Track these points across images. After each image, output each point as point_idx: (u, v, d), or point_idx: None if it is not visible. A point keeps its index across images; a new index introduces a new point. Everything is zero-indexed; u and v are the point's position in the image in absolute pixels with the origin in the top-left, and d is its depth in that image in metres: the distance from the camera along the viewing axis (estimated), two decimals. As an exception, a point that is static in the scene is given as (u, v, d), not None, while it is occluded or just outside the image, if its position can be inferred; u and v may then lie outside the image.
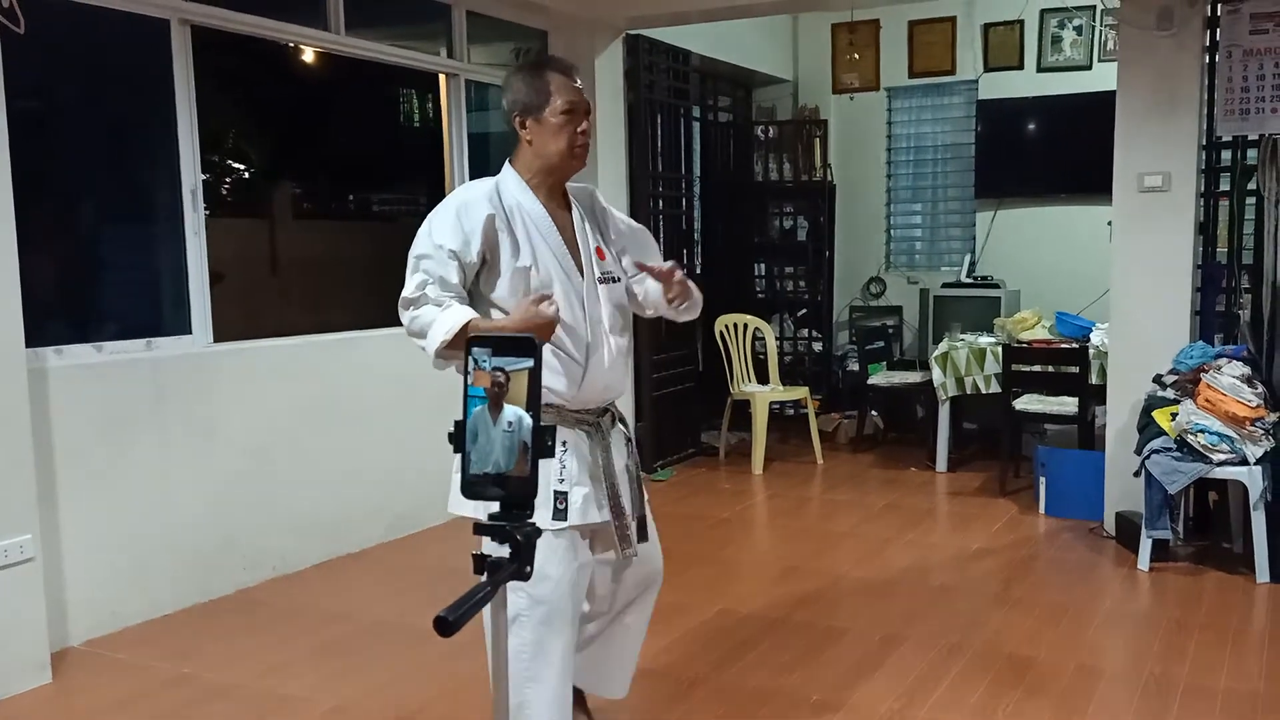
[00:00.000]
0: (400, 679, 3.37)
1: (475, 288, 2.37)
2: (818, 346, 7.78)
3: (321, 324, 4.82)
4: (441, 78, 5.43)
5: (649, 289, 2.58)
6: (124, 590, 3.81)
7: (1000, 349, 5.70)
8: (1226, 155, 4.94)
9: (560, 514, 2.30)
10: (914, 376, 6.71)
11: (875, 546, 4.78)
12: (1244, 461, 4.12)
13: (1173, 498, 4.23)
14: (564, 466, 2.31)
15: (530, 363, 1.51)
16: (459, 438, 1.57)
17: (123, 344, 3.90)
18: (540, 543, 2.27)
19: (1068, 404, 5.54)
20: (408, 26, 5.41)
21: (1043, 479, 5.22)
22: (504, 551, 1.61)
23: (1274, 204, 4.73)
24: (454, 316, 2.22)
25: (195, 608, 4.03)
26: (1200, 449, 4.14)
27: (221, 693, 3.30)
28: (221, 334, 4.25)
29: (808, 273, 7.77)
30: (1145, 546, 4.32)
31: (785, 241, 7.81)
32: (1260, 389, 4.29)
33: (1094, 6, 6.77)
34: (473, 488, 1.58)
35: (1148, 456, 4.24)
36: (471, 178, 5.48)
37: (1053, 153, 7.16)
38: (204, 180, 4.26)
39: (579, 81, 2.39)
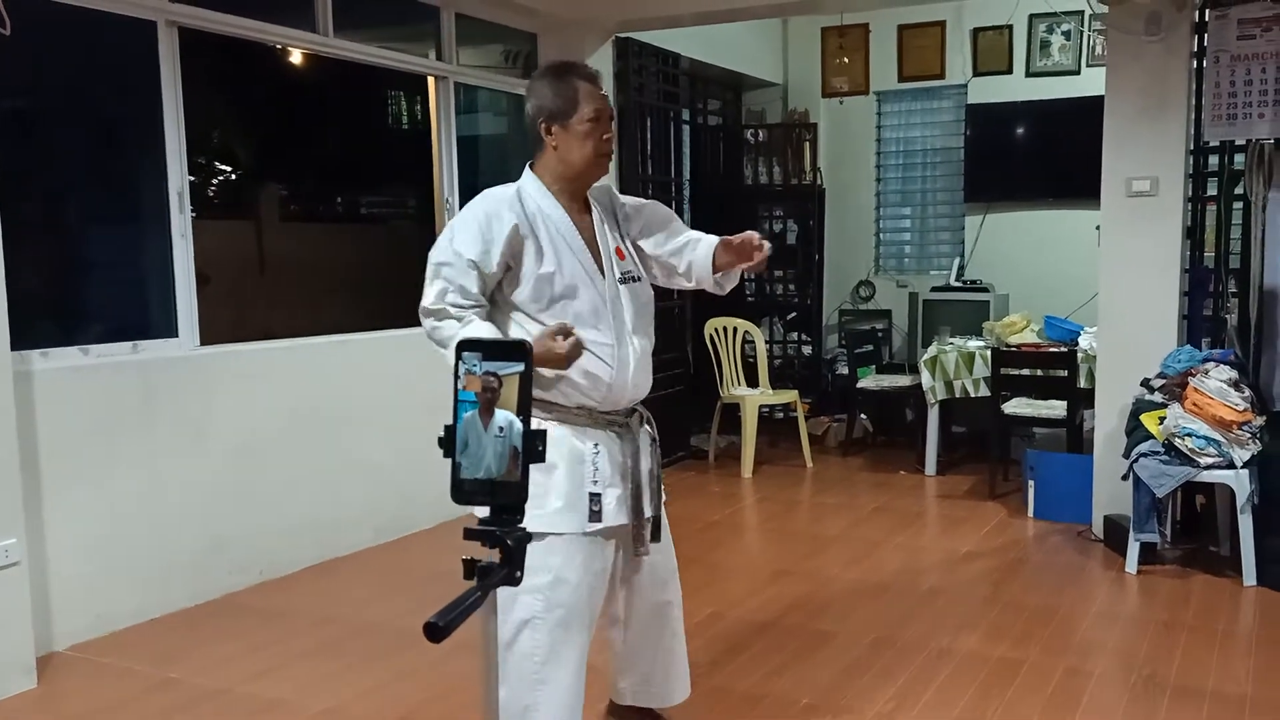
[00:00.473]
0: (391, 682, 3.35)
1: (499, 294, 2.37)
2: (807, 350, 7.79)
3: (309, 326, 4.80)
4: (430, 80, 5.42)
5: (694, 260, 2.55)
6: (110, 594, 3.79)
7: (989, 353, 5.72)
8: (1214, 160, 4.97)
9: (596, 516, 2.31)
10: (903, 380, 6.72)
11: (865, 549, 4.79)
12: (1231, 465, 4.14)
13: (1160, 501, 4.25)
14: (597, 469, 2.32)
15: (521, 367, 1.50)
16: (449, 443, 1.56)
17: (109, 346, 3.88)
18: (560, 546, 2.30)
19: (1056, 407, 5.56)
20: (396, 28, 5.40)
21: (1031, 482, 5.24)
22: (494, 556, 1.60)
23: (1261, 209, 4.75)
24: (473, 334, 2.22)
25: (183, 611, 4.00)
26: (1188, 452, 4.15)
27: (209, 697, 3.28)
28: (209, 336, 4.23)
29: (797, 276, 7.78)
30: (1133, 549, 4.33)
31: (775, 245, 7.77)
32: (1247, 393, 4.31)
33: (1082, 12, 6.80)
34: (463, 493, 1.57)
35: (1136, 460, 4.26)
36: (461, 181, 5.48)
37: (1041, 157, 7.18)
38: (191, 182, 4.23)
39: (603, 88, 2.41)
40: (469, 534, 1.67)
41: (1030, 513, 5.23)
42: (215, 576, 4.15)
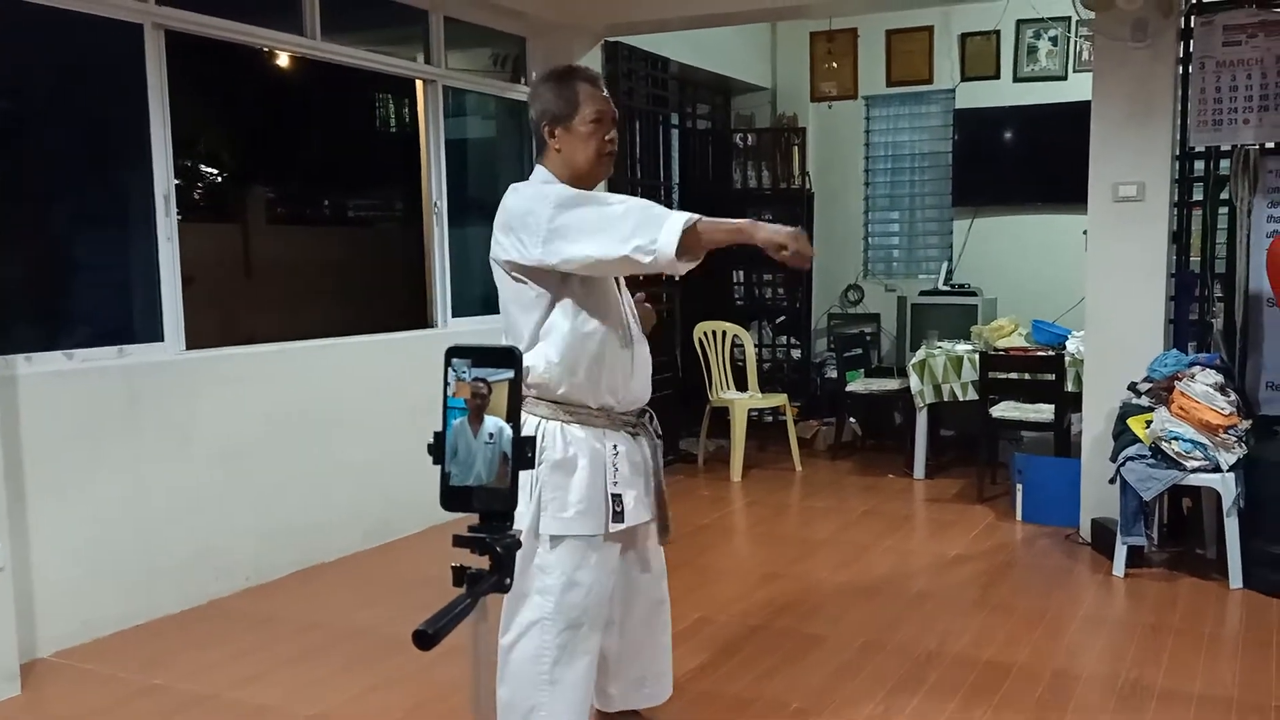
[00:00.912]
0: (379, 688, 3.34)
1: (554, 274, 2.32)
2: (796, 354, 7.80)
3: (296, 330, 4.79)
4: (418, 83, 5.41)
5: None
6: (95, 600, 3.76)
7: (977, 356, 5.73)
8: (1200, 165, 4.99)
9: (619, 516, 2.33)
10: (892, 384, 6.74)
11: (854, 553, 4.79)
12: (1217, 469, 4.16)
13: (1147, 504, 4.26)
14: (617, 470, 2.34)
15: (511, 374, 1.50)
16: (438, 449, 1.55)
17: (94, 351, 3.85)
18: (578, 548, 2.30)
19: (1044, 411, 5.58)
20: (384, 31, 5.38)
21: (1019, 486, 5.25)
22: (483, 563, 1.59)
23: (1246, 214, 4.78)
24: (683, 216, 2.16)
25: (168, 617, 3.98)
26: (1174, 456, 4.17)
27: (195, 703, 3.25)
28: (194, 341, 4.21)
29: (786, 280, 7.79)
30: (1120, 553, 4.35)
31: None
32: (1233, 397, 4.33)
33: (1069, 18, 6.83)
34: (452, 500, 1.57)
35: (1123, 464, 4.27)
36: (449, 184, 5.47)
37: (1029, 162, 7.21)
38: (177, 185, 4.21)
39: (606, 91, 2.43)
40: (458, 540, 1.66)
41: (1018, 516, 5.24)
42: (201, 582, 4.12)
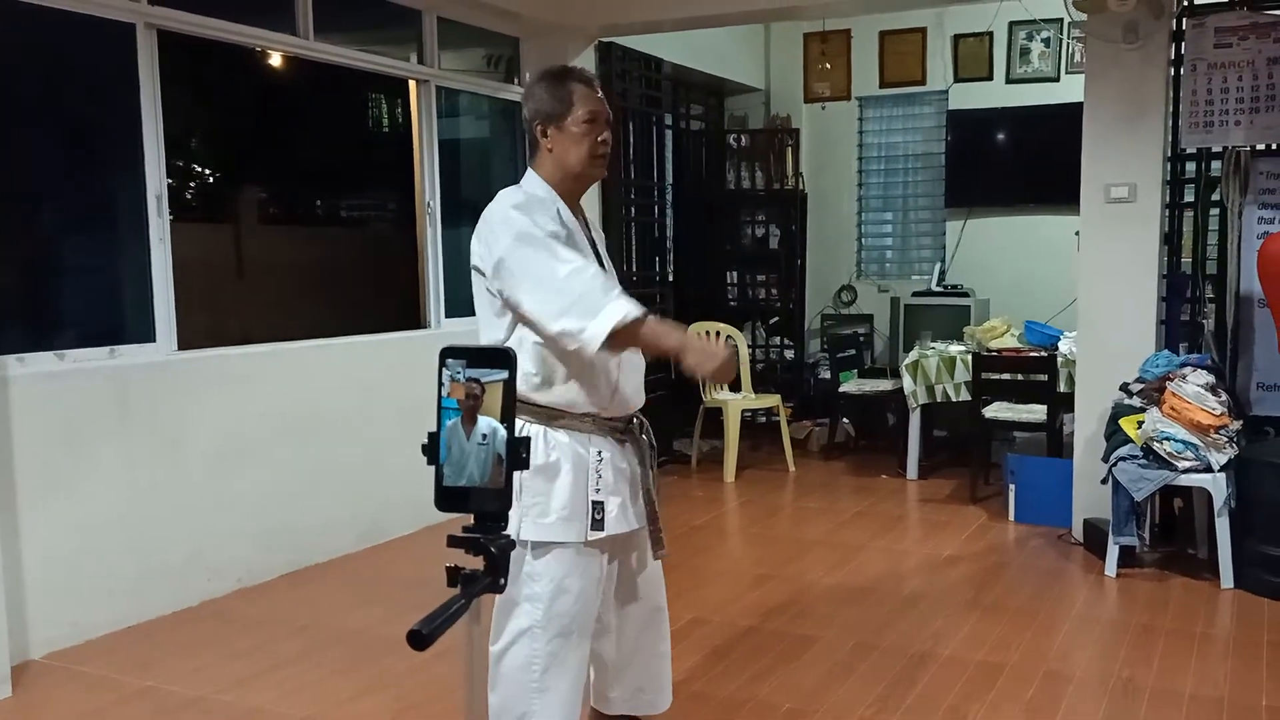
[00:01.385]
0: (372, 690, 3.33)
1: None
2: (789, 354, 7.80)
3: (289, 330, 4.78)
4: (411, 83, 5.40)
5: None
6: (87, 602, 3.75)
7: (970, 357, 5.74)
8: (1191, 167, 5.01)
9: (598, 524, 2.29)
10: (885, 384, 6.75)
11: (847, 554, 4.80)
12: (1208, 469, 4.17)
13: (1139, 505, 4.27)
14: (600, 476, 2.30)
15: (505, 374, 1.49)
16: (432, 450, 1.55)
17: (85, 352, 3.84)
18: (564, 555, 2.28)
19: (1037, 412, 5.59)
20: (377, 31, 5.38)
21: (1012, 486, 5.26)
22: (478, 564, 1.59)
23: (1237, 215, 4.80)
24: (622, 310, 2.10)
25: (160, 619, 3.96)
26: (1166, 456, 4.19)
27: (187, 705, 3.25)
28: (187, 341, 4.20)
29: (779, 281, 7.79)
30: (1112, 553, 4.36)
31: (757, 250, 7.83)
32: (1224, 397, 4.35)
33: (1062, 19, 6.85)
34: (446, 500, 1.56)
35: (1115, 464, 4.29)
36: (442, 185, 5.46)
37: (1021, 163, 7.23)
38: (169, 185, 4.20)
39: (600, 92, 2.40)
40: (453, 541, 1.66)
41: (1011, 516, 5.26)
42: (193, 583, 4.11)
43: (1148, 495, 4.25)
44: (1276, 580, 4.09)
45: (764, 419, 7.41)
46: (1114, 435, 4.42)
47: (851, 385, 6.79)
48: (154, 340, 4.08)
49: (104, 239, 4.19)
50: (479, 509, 1.56)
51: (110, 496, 3.83)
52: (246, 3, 4.48)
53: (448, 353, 1.54)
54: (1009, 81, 7.33)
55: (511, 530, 2.27)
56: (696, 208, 7.64)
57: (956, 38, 7.45)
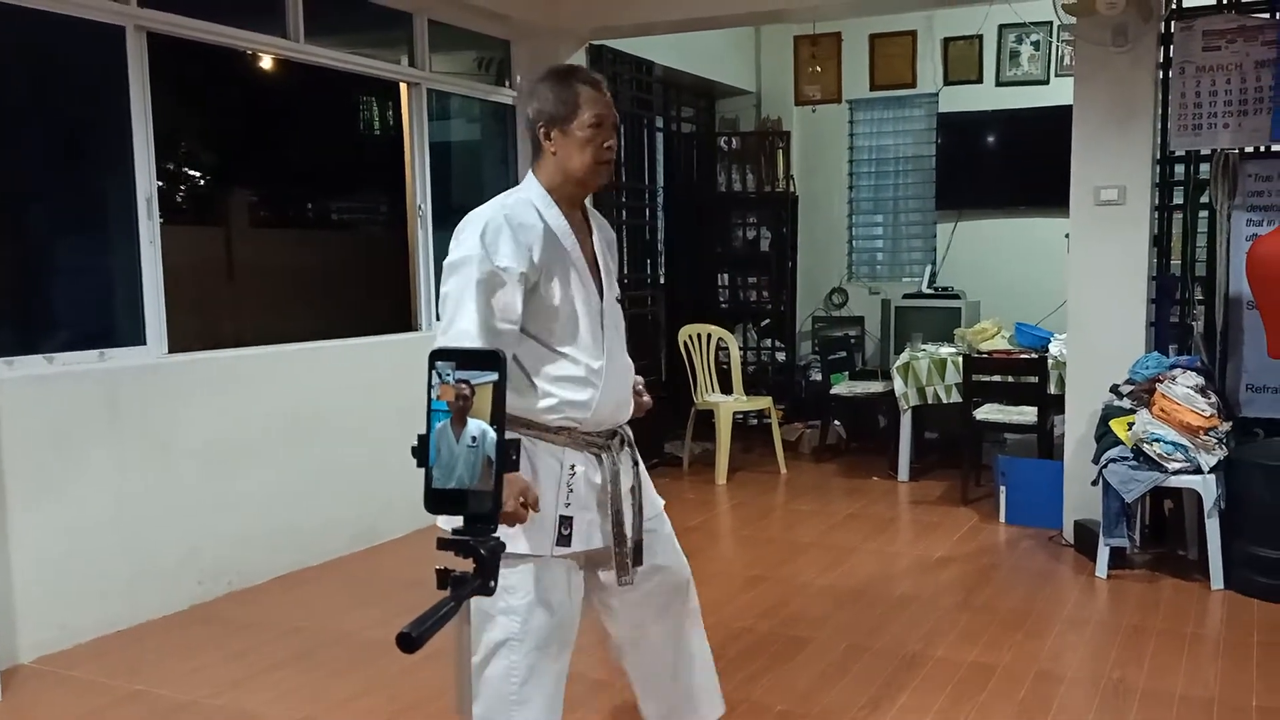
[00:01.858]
0: (364, 693, 3.33)
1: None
2: (781, 356, 7.81)
3: (280, 333, 4.77)
4: (403, 86, 5.40)
5: None
6: (77, 605, 3.74)
7: (961, 359, 5.76)
8: (1180, 169, 5.03)
9: (564, 540, 2.23)
10: (876, 386, 6.76)
11: (838, 556, 4.80)
12: (1198, 470, 4.18)
13: (1129, 506, 4.29)
14: (571, 491, 2.24)
15: (495, 376, 1.49)
16: (422, 452, 1.55)
17: (75, 355, 3.83)
18: (537, 569, 2.24)
19: (1027, 414, 5.60)
20: (368, 34, 5.37)
21: (1003, 488, 5.27)
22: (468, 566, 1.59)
23: (1225, 218, 4.81)
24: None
25: (151, 622, 3.95)
26: (1156, 458, 4.20)
27: (178, 709, 3.23)
28: (177, 344, 4.19)
29: (771, 283, 7.80)
30: (1103, 554, 4.37)
31: (748, 252, 7.84)
32: (1213, 399, 4.36)
33: (1051, 22, 6.88)
34: (436, 503, 1.56)
35: (1105, 465, 4.30)
36: (433, 188, 5.46)
37: (1011, 165, 7.25)
38: (160, 187, 4.19)
39: (608, 94, 2.33)
40: (442, 544, 1.65)
41: (1002, 518, 5.27)
42: (184, 587, 4.10)
43: (1138, 496, 4.26)
44: (1266, 581, 4.10)
45: (755, 421, 7.42)
46: (1104, 437, 4.43)
47: (843, 387, 6.80)
48: (144, 343, 4.07)
49: (94, 241, 4.18)
50: (468, 511, 1.56)
51: (100, 500, 3.81)
52: (237, 5, 4.47)
53: (437, 355, 1.54)
54: (999, 84, 7.36)
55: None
56: (688, 210, 7.65)
57: (946, 41, 7.47)
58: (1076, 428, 4.84)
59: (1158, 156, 4.83)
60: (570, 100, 2.26)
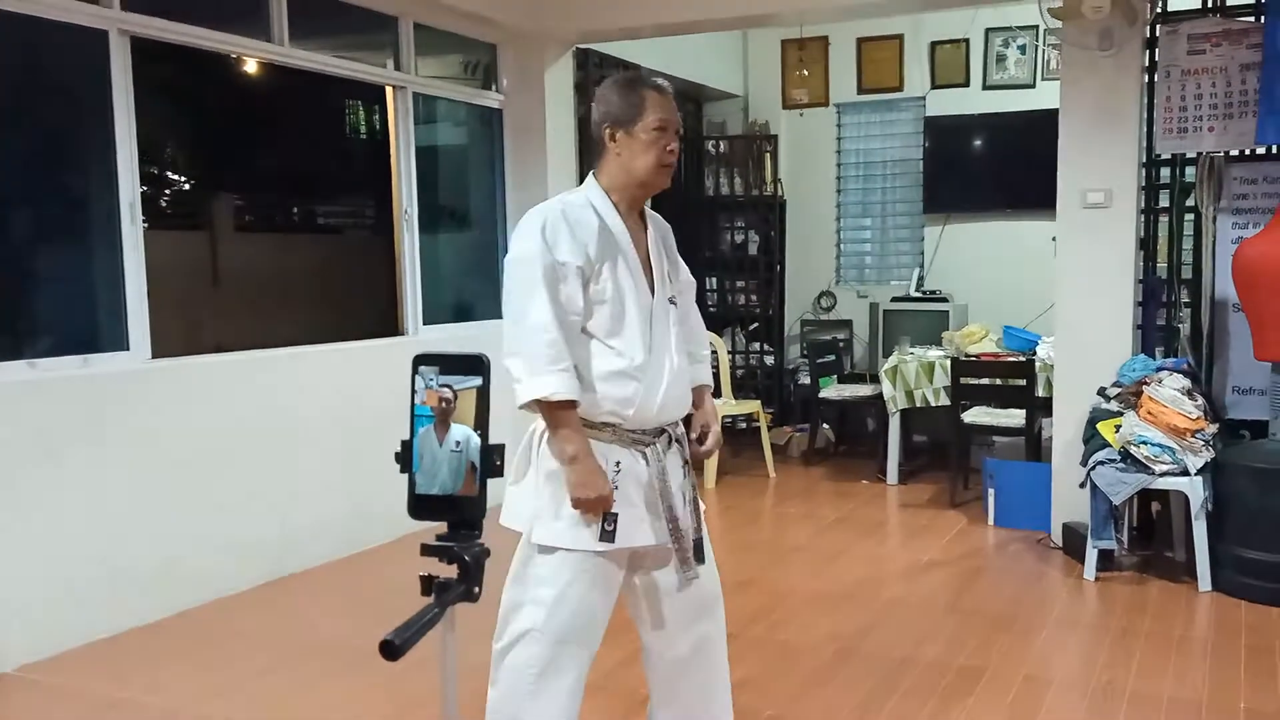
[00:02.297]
0: (348, 701, 3.30)
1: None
2: (769, 360, 7.81)
3: (264, 338, 4.74)
4: (388, 90, 5.38)
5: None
6: (59, 614, 3.70)
7: (949, 362, 5.76)
8: (1166, 173, 5.05)
9: (609, 535, 2.25)
10: (864, 389, 6.76)
11: (827, 559, 4.80)
12: (1185, 472, 4.19)
13: (1117, 508, 4.29)
14: (616, 487, 2.26)
15: (479, 381, 1.48)
16: (405, 458, 1.54)
17: (57, 360, 3.80)
18: (574, 563, 2.25)
19: (1015, 416, 5.61)
20: (353, 37, 5.35)
21: (991, 490, 5.28)
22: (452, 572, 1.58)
23: (1211, 220, 4.83)
24: (553, 386, 2.15)
25: (134, 631, 3.91)
26: (1143, 460, 4.21)
27: (161, 717, 3.21)
28: (160, 350, 4.15)
29: (759, 286, 7.81)
30: (1091, 556, 4.38)
31: (736, 255, 7.85)
32: (1200, 401, 4.38)
33: (1037, 26, 6.89)
34: (420, 509, 1.55)
35: (1093, 468, 4.30)
36: (420, 191, 5.44)
37: (998, 169, 7.27)
38: (143, 192, 4.16)
39: (673, 100, 2.38)
40: (426, 550, 1.64)
41: (990, 521, 5.27)
42: (167, 595, 4.06)
43: (1126, 499, 4.27)
44: (1253, 583, 4.11)
45: (744, 425, 7.41)
46: (1092, 439, 4.44)
47: (831, 391, 6.80)
48: (127, 349, 4.04)
49: (77, 247, 4.15)
50: (452, 517, 1.54)
51: (83, 506, 3.78)
52: (220, 9, 4.45)
53: (421, 360, 1.53)
54: (985, 88, 7.38)
55: (525, 532, 2.28)
56: (675, 214, 7.61)
57: (933, 44, 7.49)
58: (1064, 430, 4.85)
59: (1144, 160, 4.85)
60: (636, 104, 2.33)
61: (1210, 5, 4.84)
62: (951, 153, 7.45)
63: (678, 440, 2.43)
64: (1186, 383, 4.40)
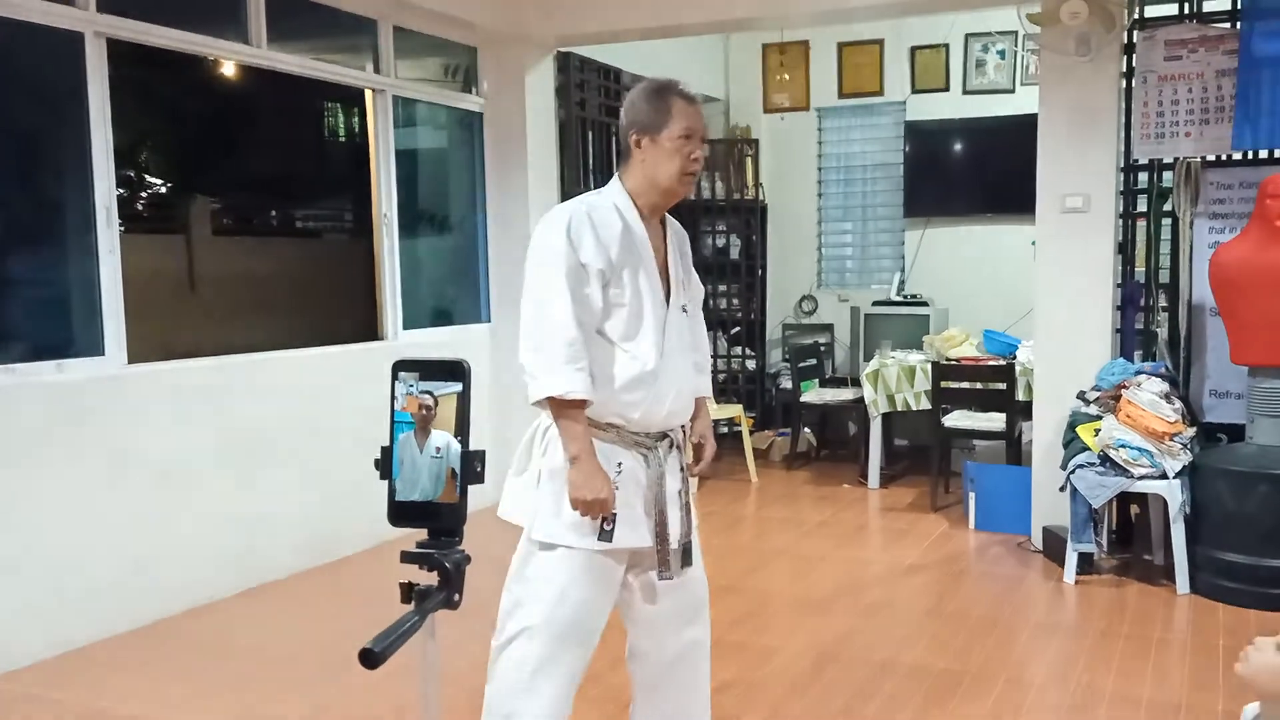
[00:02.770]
0: (323, 710, 3.27)
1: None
2: (751, 364, 7.81)
3: (242, 343, 4.69)
4: (368, 93, 5.35)
5: None
6: (33, 623, 3.65)
7: (929, 366, 5.78)
8: (1144, 178, 5.08)
9: (606, 535, 2.27)
10: (846, 394, 6.77)
11: (809, 564, 4.80)
12: (1164, 475, 4.22)
13: (1096, 511, 4.32)
14: (617, 488, 2.27)
15: (459, 387, 1.47)
16: (385, 464, 1.52)
17: (32, 365, 3.75)
18: (572, 562, 2.26)
19: (996, 420, 5.63)
20: (332, 40, 5.32)
21: (972, 494, 5.29)
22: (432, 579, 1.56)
23: (1188, 225, 4.87)
24: (568, 384, 2.17)
25: (108, 640, 3.87)
26: (1122, 463, 4.23)
27: (137, 729, 3.17)
28: (137, 355, 4.11)
29: (741, 291, 7.81)
30: (1071, 559, 4.39)
31: (718, 260, 7.84)
32: (1178, 404, 4.41)
33: (1016, 32, 6.94)
34: (399, 515, 1.53)
35: (1073, 471, 4.32)
36: (400, 194, 5.41)
37: (978, 173, 7.30)
38: (120, 195, 4.12)
39: (700, 109, 2.40)
40: (406, 557, 1.63)
41: (971, 524, 5.29)
42: (142, 603, 4.01)
43: (1105, 502, 4.29)
44: (1230, 585, 4.14)
45: (726, 429, 7.40)
46: (1071, 443, 4.46)
47: (813, 395, 6.80)
48: (103, 354, 3.99)
49: (52, 251, 4.10)
50: (432, 524, 1.53)
51: (57, 514, 3.73)
52: (198, 11, 4.41)
53: (400, 366, 1.52)
54: (965, 93, 7.41)
55: (526, 529, 2.27)
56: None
57: (914, 49, 7.52)
58: (1044, 434, 4.87)
59: (1122, 164, 4.88)
60: (664, 111, 2.35)
61: (1187, 12, 4.88)
62: (932, 157, 7.48)
63: (678, 446, 2.45)
64: (1165, 386, 4.43)
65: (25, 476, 3.64)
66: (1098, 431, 4.34)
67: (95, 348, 3.97)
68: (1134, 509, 4.88)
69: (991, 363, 5.77)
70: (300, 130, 7.33)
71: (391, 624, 1.52)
